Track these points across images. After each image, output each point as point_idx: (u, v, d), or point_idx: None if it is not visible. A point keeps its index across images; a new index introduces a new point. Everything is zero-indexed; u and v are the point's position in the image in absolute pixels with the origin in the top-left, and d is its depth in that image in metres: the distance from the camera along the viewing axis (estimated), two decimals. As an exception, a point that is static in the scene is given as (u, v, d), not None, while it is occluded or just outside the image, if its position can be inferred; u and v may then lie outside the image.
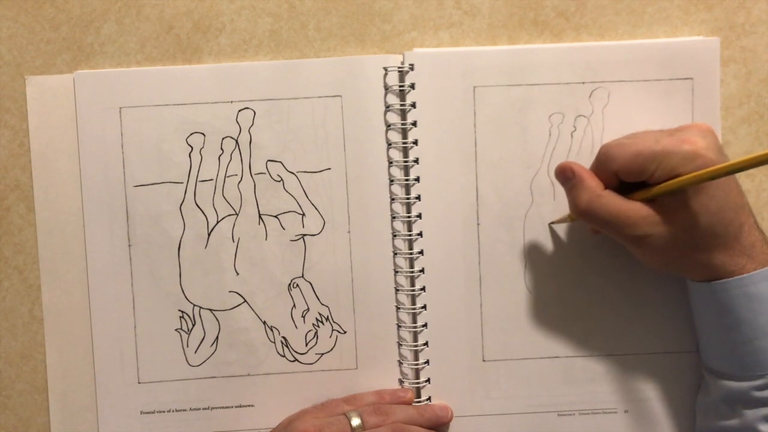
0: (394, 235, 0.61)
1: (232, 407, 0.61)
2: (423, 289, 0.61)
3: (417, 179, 0.60)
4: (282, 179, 0.60)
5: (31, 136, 0.61)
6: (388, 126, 0.60)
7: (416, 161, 0.60)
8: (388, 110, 0.60)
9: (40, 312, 0.61)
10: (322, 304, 0.61)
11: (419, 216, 0.60)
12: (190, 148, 0.60)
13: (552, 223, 0.61)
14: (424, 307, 0.61)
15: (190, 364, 0.61)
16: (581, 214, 0.54)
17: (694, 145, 0.51)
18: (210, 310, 0.61)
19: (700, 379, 0.60)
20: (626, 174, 0.53)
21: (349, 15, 0.61)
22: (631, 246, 0.55)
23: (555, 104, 0.60)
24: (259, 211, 0.61)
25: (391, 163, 0.60)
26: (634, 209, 0.53)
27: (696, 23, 0.61)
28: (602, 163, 0.54)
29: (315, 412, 0.58)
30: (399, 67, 0.60)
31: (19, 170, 0.61)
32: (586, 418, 0.61)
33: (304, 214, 0.61)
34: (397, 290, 0.61)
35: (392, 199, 0.60)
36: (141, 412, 0.61)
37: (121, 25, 0.61)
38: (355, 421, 0.56)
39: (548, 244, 0.61)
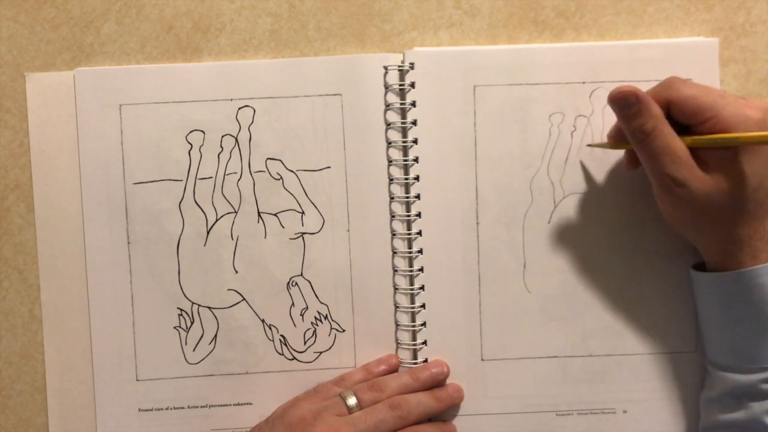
0: (394, 234, 0.60)
1: (230, 405, 0.61)
2: (422, 288, 0.60)
3: (416, 178, 0.60)
4: (281, 177, 0.60)
5: (30, 133, 0.61)
6: (388, 125, 0.60)
7: (416, 160, 0.60)
8: (388, 109, 0.60)
9: (39, 312, 0.61)
10: (321, 303, 0.61)
11: (418, 215, 0.60)
12: (189, 146, 0.60)
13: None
14: (423, 306, 0.60)
15: (188, 362, 0.61)
16: (646, 138, 0.51)
17: (758, 112, 0.51)
18: (209, 308, 0.61)
19: (700, 379, 0.60)
20: (679, 108, 0.52)
21: (349, 15, 0.61)
22: (664, 191, 0.53)
23: (555, 104, 0.60)
24: (258, 209, 0.61)
25: (390, 161, 0.60)
26: (685, 151, 0.51)
27: (696, 23, 0.61)
28: (662, 89, 0.53)
29: (308, 398, 0.58)
30: (399, 66, 0.60)
31: (19, 170, 0.61)
32: (585, 418, 0.61)
33: (303, 213, 0.61)
34: (395, 289, 0.60)
35: (392, 198, 0.60)
36: (139, 410, 0.61)
37: (121, 25, 0.61)
38: (351, 401, 0.56)
39: (547, 243, 0.61)
